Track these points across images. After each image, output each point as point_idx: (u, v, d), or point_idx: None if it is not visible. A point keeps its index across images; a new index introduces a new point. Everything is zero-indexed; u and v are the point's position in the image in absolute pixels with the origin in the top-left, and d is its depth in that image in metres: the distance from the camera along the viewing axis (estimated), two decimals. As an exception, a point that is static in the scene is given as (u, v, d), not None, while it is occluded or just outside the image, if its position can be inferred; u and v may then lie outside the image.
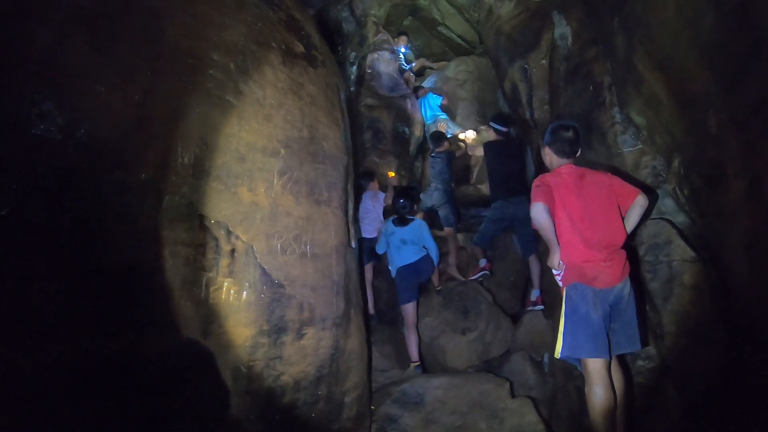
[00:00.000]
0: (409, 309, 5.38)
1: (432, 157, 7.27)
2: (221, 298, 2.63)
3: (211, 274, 2.60)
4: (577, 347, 3.09)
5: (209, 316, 2.57)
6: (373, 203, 6.45)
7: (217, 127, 2.78)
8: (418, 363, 5.27)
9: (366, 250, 6.11)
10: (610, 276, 3.25)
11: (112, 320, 2.14)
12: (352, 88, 8.73)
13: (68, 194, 2.06)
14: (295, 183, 3.12)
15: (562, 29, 6.22)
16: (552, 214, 3.30)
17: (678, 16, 3.45)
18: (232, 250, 2.71)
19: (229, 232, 2.71)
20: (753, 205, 3.08)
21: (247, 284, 2.75)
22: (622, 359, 3.32)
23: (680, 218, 4.50)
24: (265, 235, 2.89)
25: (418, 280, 5.56)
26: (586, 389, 3.12)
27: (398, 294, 5.56)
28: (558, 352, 3.15)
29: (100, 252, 2.15)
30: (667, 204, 4.63)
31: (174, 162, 2.52)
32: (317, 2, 9.01)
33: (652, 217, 4.69)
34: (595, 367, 3.05)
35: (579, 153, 3.62)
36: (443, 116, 8.89)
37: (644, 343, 3.54)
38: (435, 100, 9.06)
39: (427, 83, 9.94)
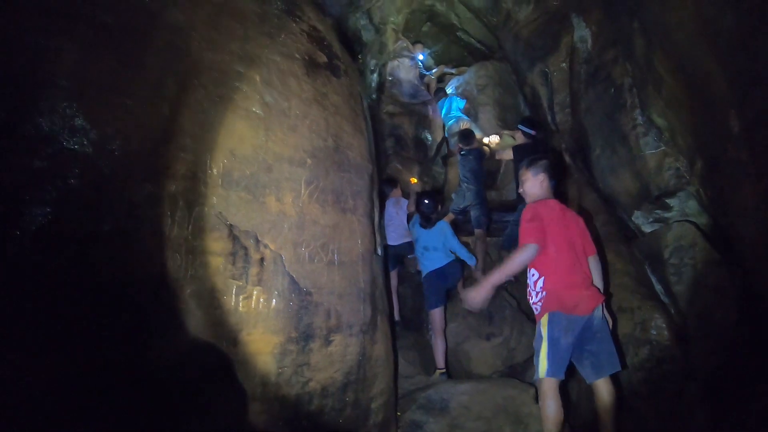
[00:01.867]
0: (436, 315, 5.37)
1: (462, 155, 7.23)
2: (250, 306, 2.68)
3: (241, 283, 2.65)
4: (557, 368, 3.37)
5: (239, 324, 2.62)
6: (396, 210, 6.46)
7: (245, 139, 2.83)
8: (444, 370, 5.26)
9: (390, 257, 6.12)
10: (591, 304, 3.43)
11: (144, 330, 2.20)
12: (373, 96, 8.77)
13: (101, 207, 2.12)
14: (321, 192, 3.17)
15: (581, 32, 6.20)
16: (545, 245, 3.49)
17: (697, 16, 3.44)
18: (261, 259, 2.75)
19: (257, 241, 2.76)
20: None
21: (275, 292, 2.79)
22: (608, 380, 3.51)
23: (703, 220, 4.47)
24: (292, 244, 2.93)
25: (445, 285, 5.53)
26: (540, 403, 3.44)
27: (425, 299, 5.56)
28: (543, 373, 3.39)
29: (134, 263, 2.21)
30: (691, 206, 4.61)
31: (203, 173, 2.59)
32: (335, 11, 9.06)
33: (677, 219, 4.67)
34: (551, 384, 3.36)
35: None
36: (466, 119, 8.89)
37: (623, 364, 3.78)
38: (458, 103, 9.08)
39: (448, 89, 9.95)
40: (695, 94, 3.77)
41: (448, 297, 5.79)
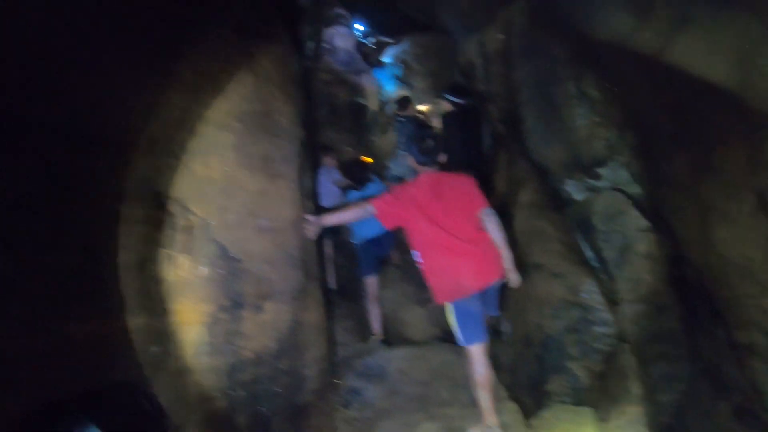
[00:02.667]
0: (370, 282, 5.39)
1: (399, 122, 7.24)
2: (179, 274, 2.61)
3: (169, 251, 2.58)
4: (471, 336, 3.51)
5: (168, 293, 2.55)
6: (330, 178, 6.42)
7: (172, 103, 2.72)
8: (380, 336, 5.30)
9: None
10: (479, 281, 3.53)
11: (78, 300, 2.11)
12: (308, 64, 8.63)
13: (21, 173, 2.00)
14: (249, 157, 3.08)
15: (520, 4, 6.23)
16: (409, 228, 3.64)
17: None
18: (189, 226, 2.68)
19: (184, 209, 2.67)
20: (707, 174, 3.17)
21: (204, 260, 2.72)
22: None
23: (634, 189, 4.61)
24: (220, 210, 2.86)
25: (379, 252, 5.56)
26: (468, 369, 3.60)
27: (360, 267, 5.57)
28: (460, 341, 3.55)
29: (66, 232, 2.10)
30: (621, 176, 4.73)
31: (132, 140, 2.47)
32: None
33: (607, 188, 4.80)
34: (476, 349, 3.49)
35: (442, 159, 3.84)
36: (402, 86, 8.92)
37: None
38: (395, 72, 9.08)
39: (385, 58, 9.90)
40: (629, 67, 3.85)
41: (383, 264, 5.82)
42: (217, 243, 2.81)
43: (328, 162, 6.72)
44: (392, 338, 5.59)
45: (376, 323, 5.33)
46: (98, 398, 2.05)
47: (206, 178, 2.81)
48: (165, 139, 2.64)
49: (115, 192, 2.34)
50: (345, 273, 6.50)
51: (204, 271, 2.72)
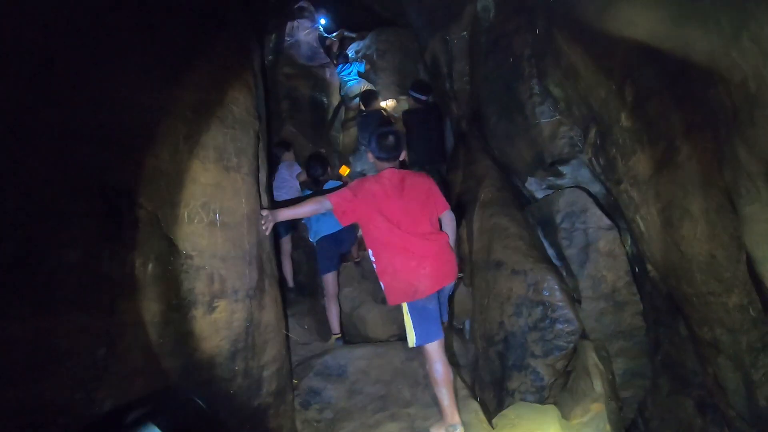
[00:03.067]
0: (329, 279, 5.32)
1: (362, 117, 7.16)
2: (125, 271, 2.44)
3: (114, 247, 2.41)
4: (426, 334, 3.46)
5: (114, 291, 2.39)
6: (290, 173, 6.30)
7: (117, 90, 2.56)
8: (339, 335, 5.23)
9: (283, 222, 5.98)
10: (434, 284, 3.50)
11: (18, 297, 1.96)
12: (270, 57, 8.50)
13: None
14: (202, 148, 2.92)
15: (484, 2, 6.21)
16: (364, 225, 3.60)
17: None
18: (136, 220, 2.51)
19: (132, 202, 2.51)
20: (668, 172, 3.17)
21: (152, 256, 2.55)
22: None
23: (596, 188, 4.64)
24: (170, 204, 2.69)
25: (338, 250, 5.48)
26: (427, 367, 3.57)
27: (318, 264, 5.49)
28: (412, 342, 3.50)
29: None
30: (583, 174, 4.76)
31: (73, 127, 2.31)
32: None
33: (569, 186, 4.81)
34: (433, 347, 3.47)
35: (401, 158, 3.77)
36: (365, 82, 8.85)
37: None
38: (358, 67, 9.01)
39: (348, 52, 9.81)
40: (593, 64, 3.86)
41: (341, 261, 5.75)
42: (167, 238, 2.65)
43: (288, 157, 6.59)
44: (352, 337, 5.53)
45: (334, 322, 5.26)
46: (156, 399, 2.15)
47: (156, 170, 2.64)
48: (112, 129, 2.48)
49: (57, 184, 2.18)
50: (304, 269, 6.40)
51: (153, 268, 2.56)
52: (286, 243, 6.19)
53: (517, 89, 5.28)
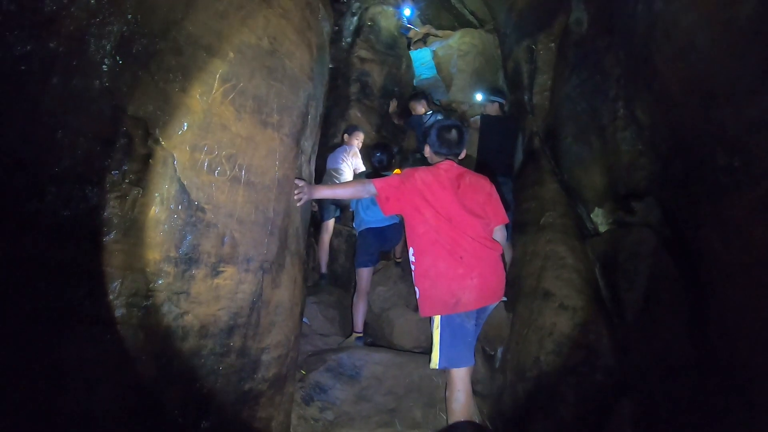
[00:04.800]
0: (363, 274, 4.99)
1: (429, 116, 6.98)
2: (123, 208, 2.16)
3: (115, 178, 2.13)
4: (454, 357, 3.06)
5: (106, 226, 2.10)
6: (346, 156, 6.01)
7: (156, 9, 2.29)
8: (361, 334, 4.90)
9: (327, 205, 5.71)
10: (479, 300, 3.09)
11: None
12: (348, 39, 8.31)
13: None
14: (240, 94, 2.62)
15: (578, 14, 5.83)
16: (410, 219, 3.22)
17: None
18: (147, 155, 2.23)
19: (147, 133, 2.23)
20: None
21: (158, 198, 2.26)
22: None
23: (667, 229, 4.12)
24: (190, 147, 2.39)
25: (381, 246, 5.16)
26: (447, 393, 3.16)
27: (356, 256, 5.18)
28: (435, 362, 3.09)
29: None
30: (656, 213, 4.26)
31: (93, 37, 2.04)
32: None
33: (638, 224, 4.36)
34: (459, 374, 3.08)
35: (461, 156, 3.40)
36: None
37: None
38: (433, 64, 8.84)
39: (429, 49, 9.58)
40: (691, 89, 3.40)
41: (381, 258, 5.45)
42: (179, 183, 2.35)
43: (350, 141, 6.32)
44: (375, 339, 5.23)
45: (359, 319, 4.93)
46: None
47: (181, 105, 2.35)
48: (138, 48, 2.20)
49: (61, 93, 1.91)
50: (341, 259, 6.13)
51: (156, 212, 2.27)
52: (328, 227, 5.89)
53: (600, 110, 4.87)
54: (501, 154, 6.02)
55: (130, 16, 2.18)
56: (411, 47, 9.13)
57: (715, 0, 3.05)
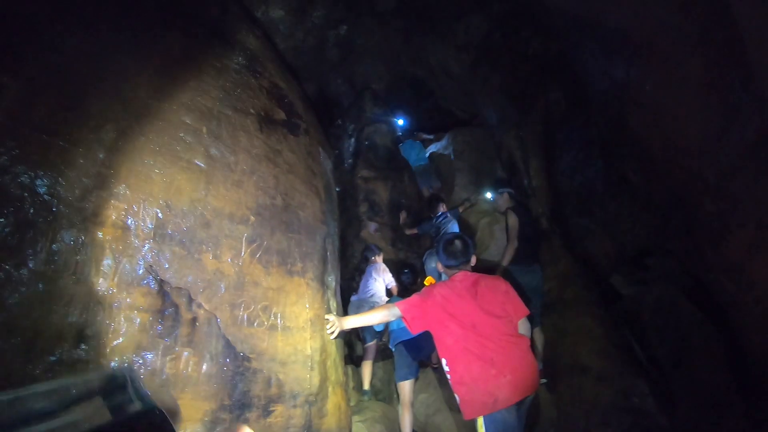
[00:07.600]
0: (406, 387, 5.08)
1: (429, 221, 7.25)
2: (178, 368, 2.45)
3: (169, 343, 2.44)
4: None
5: (164, 386, 2.38)
6: (377, 277, 6.23)
7: (183, 191, 2.70)
8: (411, 444, 4.96)
9: (368, 328, 5.90)
10: (515, 394, 3.07)
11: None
12: (349, 160, 8.76)
13: (22, 251, 2.01)
14: (265, 252, 2.98)
15: (555, 94, 6.22)
16: (437, 333, 3.29)
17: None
18: (194, 319, 2.55)
19: (190, 300, 2.56)
20: (763, 255, 2.90)
21: (207, 355, 2.56)
22: None
23: (684, 278, 4.29)
24: (229, 305, 2.73)
25: (417, 356, 5.27)
26: None
27: (395, 370, 5.28)
28: None
29: (54, 314, 2.06)
30: (669, 265, 4.46)
31: (135, 224, 2.42)
32: (318, 76, 9.13)
33: (656, 279, 4.50)
34: None
35: (472, 263, 3.52)
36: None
37: None
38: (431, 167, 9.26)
39: (425, 154, 9.97)
40: (668, 145, 3.67)
41: (420, 366, 5.55)
42: (224, 339, 2.66)
43: (376, 260, 6.55)
44: (425, 446, 5.25)
45: (407, 430, 4.99)
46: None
47: (216, 271, 2.70)
48: (173, 227, 2.58)
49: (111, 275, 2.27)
50: (379, 373, 6.23)
51: (207, 367, 2.55)
52: (372, 349, 6.02)
53: (594, 181, 5.15)
54: (529, 243, 5.95)
55: (162, 201, 2.56)
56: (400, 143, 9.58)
57: (670, 61, 3.30)
